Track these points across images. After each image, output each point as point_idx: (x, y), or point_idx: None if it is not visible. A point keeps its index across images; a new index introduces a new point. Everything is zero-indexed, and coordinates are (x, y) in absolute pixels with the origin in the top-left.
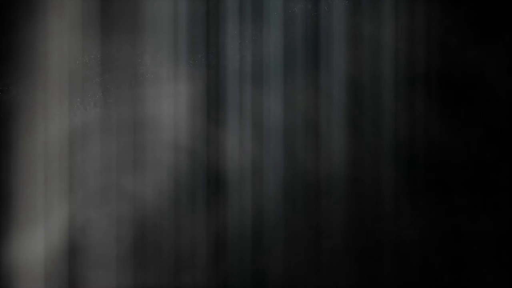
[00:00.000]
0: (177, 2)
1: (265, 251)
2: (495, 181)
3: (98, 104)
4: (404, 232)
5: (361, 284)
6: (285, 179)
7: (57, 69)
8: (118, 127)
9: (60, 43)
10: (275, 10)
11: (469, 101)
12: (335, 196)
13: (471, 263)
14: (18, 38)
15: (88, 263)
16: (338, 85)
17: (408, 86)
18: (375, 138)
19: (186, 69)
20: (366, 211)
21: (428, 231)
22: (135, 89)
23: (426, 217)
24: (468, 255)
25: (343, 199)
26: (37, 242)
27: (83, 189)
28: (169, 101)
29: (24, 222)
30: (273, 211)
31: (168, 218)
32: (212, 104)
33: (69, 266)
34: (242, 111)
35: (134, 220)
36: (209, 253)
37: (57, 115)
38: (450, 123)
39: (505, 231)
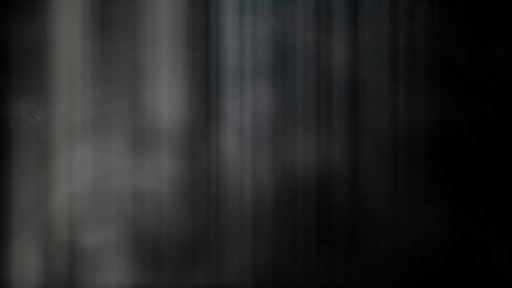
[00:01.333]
0: (177, 2)
1: (264, 251)
2: (500, 183)
3: (98, 104)
4: (404, 233)
5: (361, 283)
6: (283, 177)
7: (56, 69)
8: (118, 126)
9: (60, 43)
10: (274, 9)
11: (472, 99)
12: (334, 195)
13: (475, 265)
14: (17, 39)
15: (87, 264)
16: (336, 82)
17: (408, 83)
18: (375, 136)
19: (186, 68)
20: (365, 209)
21: (428, 231)
22: (135, 88)
23: (426, 217)
24: (471, 256)
25: (343, 198)
26: (37, 243)
27: (83, 189)
28: (168, 100)
29: (24, 223)
30: (271, 210)
31: (169, 215)
32: (210, 102)
33: (69, 267)
34: (240, 109)
35: (134, 220)
36: (208, 251)
37: (57, 115)
38: (451, 121)
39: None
